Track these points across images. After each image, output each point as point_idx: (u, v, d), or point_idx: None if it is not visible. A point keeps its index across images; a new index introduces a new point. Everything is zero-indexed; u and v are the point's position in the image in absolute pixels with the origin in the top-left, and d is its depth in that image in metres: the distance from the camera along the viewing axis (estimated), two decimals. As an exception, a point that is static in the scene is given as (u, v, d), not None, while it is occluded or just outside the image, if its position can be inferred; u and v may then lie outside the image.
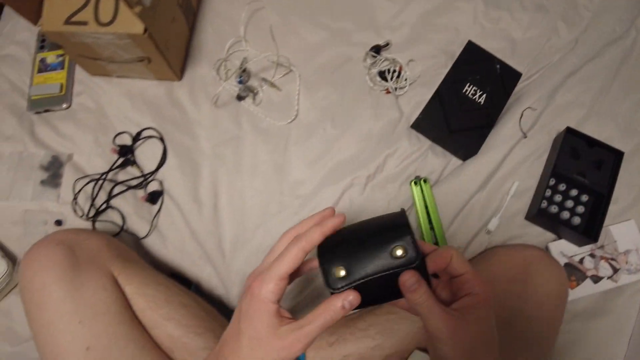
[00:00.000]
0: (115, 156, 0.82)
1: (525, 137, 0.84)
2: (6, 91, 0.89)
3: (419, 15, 0.89)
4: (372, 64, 0.86)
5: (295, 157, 0.82)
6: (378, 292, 0.41)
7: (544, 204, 0.79)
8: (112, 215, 0.81)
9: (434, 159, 0.82)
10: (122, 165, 0.82)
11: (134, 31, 0.69)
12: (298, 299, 0.77)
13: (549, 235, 0.81)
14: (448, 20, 0.89)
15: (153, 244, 0.79)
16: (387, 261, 0.39)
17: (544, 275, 0.66)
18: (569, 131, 0.80)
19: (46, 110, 0.88)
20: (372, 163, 0.81)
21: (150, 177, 0.82)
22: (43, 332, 0.57)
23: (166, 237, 0.79)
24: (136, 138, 0.83)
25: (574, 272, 0.78)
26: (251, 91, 0.84)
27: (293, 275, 0.45)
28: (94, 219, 0.80)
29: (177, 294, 0.68)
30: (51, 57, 0.90)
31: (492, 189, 0.81)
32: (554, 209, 0.79)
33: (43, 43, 0.91)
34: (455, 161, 0.84)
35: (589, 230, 0.75)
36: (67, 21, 0.71)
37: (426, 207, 0.79)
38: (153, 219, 0.80)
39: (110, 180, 0.82)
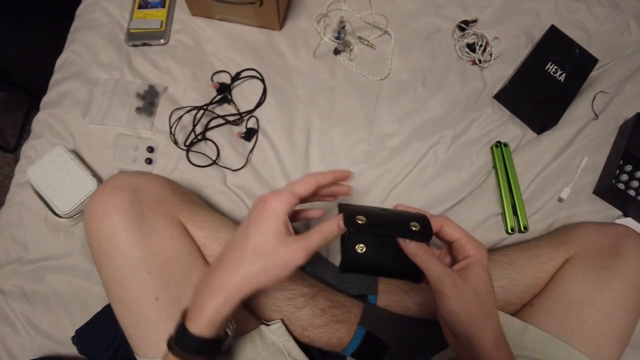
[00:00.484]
0: (213, 91, 0.85)
1: (597, 118, 0.90)
2: (105, 23, 0.92)
3: (504, -2, 0.96)
4: (461, 36, 0.91)
5: (385, 112, 0.86)
6: (385, 255, 0.46)
7: (613, 181, 0.84)
8: (204, 148, 0.83)
9: (514, 128, 0.88)
10: (220, 102, 0.85)
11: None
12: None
13: (616, 211, 0.86)
14: (531, 6, 0.96)
15: (245, 177, 0.82)
16: (404, 230, 0.45)
17: (635, 250, 0.63)
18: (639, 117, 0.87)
19: (144, 44, 0.90)
20: (458, 125, 0.86)
21: (247, 114, 0.85)
22: (112, 280, 0.56)
23: (258, 171, 0.82)
24: (235, 77, 0.87)
25: None
26: (347, 46, 0.88)
27: (296, 216, 0.53)
28: (188, 148, 0.82)
29: None
30: (153, -5, 0.94)
31: (564, 161, 0.87)
32: (621, 186, 0.85)
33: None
34: (531, 134, 0.89)
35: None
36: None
37: (506, 170, 0.84)
38: (248, 154, 0.82)
39: (208, 113, 0.84)
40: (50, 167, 0.77)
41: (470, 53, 0.90)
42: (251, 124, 0.85)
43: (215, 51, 0.89)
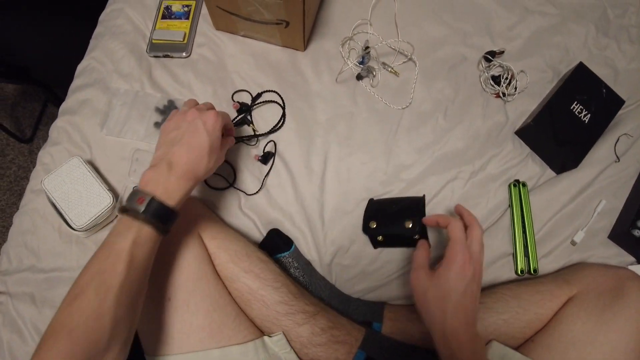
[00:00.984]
0: (233, 111, 0.85)
1: (618, 160, 0.88)
2: (128, 31, 0.91)
3: (534, 30, 0.94)
4: (487, 68, 0.90)
5: (405, 142, 0.86)
6: (394, 241, 0.78)
7: (630, 227, 0.83)
8: (221, 169, 0.83)
9: (533, 166, 0.87)
10: (239, 124, 0.85)
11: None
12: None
13: (629, 257, 0.85)
14: (560, 40, 0.94)
15: (259, 201, 0.82)
16: (401, 228, 0.74)
17: (638, 292, 0.65)
18: (662, 163, 0.85)
19: (165, 56, 0.90)
20: (477, 160, 0.85)
21: (264, 136, 0.84)
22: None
23: (271, 195, 0.82)
24: (256, 98, 0.86)
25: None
26: (371, 72, 0.87)
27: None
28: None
29: (255, 250, 0.72)
30: (176, 5, 0.93)
31: (581, 203, 0.85)
32: (637, 233, 0.84)
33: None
34: (550, 172, 0.88)
35: (671, 259, 0.80)
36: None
37: (521, 210, 0.83)
38: (264, 178, 0.82)
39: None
40: (66, 179, 0.78)
41: (495, 86, 0.89)
42: (269, 147, 0.84)
43: (237, 68, 0.88)
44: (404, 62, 0.90)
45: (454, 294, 0.56)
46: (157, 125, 0.85)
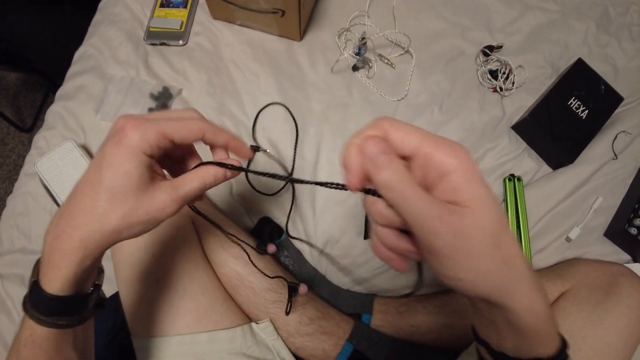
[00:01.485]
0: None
1: (616, 158, 0.87)
2: (126, 19, 0.92)
3: (533, 26, 0.93)
4: (484, 62, 0.89)
5: (399, 134, 0.85)
6: None
7: (626, 225, 0.82)
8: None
9: (529, 161, 0.86)
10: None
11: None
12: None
13: (625, 255, 0.83)
14: (560, 36, 0.93)
15: (250, 188, 0.81)
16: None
17: (630, 289, 0.65)
18: (661, 161, 0.84)
19: (162, 44, 0.90)
20: (472, 154, 0.83)
21: (255, 124, 0.84)
22: (121, 259, 0.61)
23: (264, 183, 0.82)
24: (258, 114, 0.85)
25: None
26: (367, 64, 0.87)
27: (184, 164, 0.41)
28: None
29: (246, 238, 0.71)
30: (175, -6, 0.93)
31: (577, 200, 0.84)
32: (633, 231, 0.82)
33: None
34: (546, 168, 0.87)
35: (667, 257, 0.78)
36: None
37: (516, 205, 0.82)
38: (248, 164, 0.82)
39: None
40: (59, 162, 0.78)
41: (492, 80, 0.88)
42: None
43: (234, 57, 0.88)
44: (401, 55, 0.89)
45: (503, 221, 0.28)
46: (151, 111, 0.85)
